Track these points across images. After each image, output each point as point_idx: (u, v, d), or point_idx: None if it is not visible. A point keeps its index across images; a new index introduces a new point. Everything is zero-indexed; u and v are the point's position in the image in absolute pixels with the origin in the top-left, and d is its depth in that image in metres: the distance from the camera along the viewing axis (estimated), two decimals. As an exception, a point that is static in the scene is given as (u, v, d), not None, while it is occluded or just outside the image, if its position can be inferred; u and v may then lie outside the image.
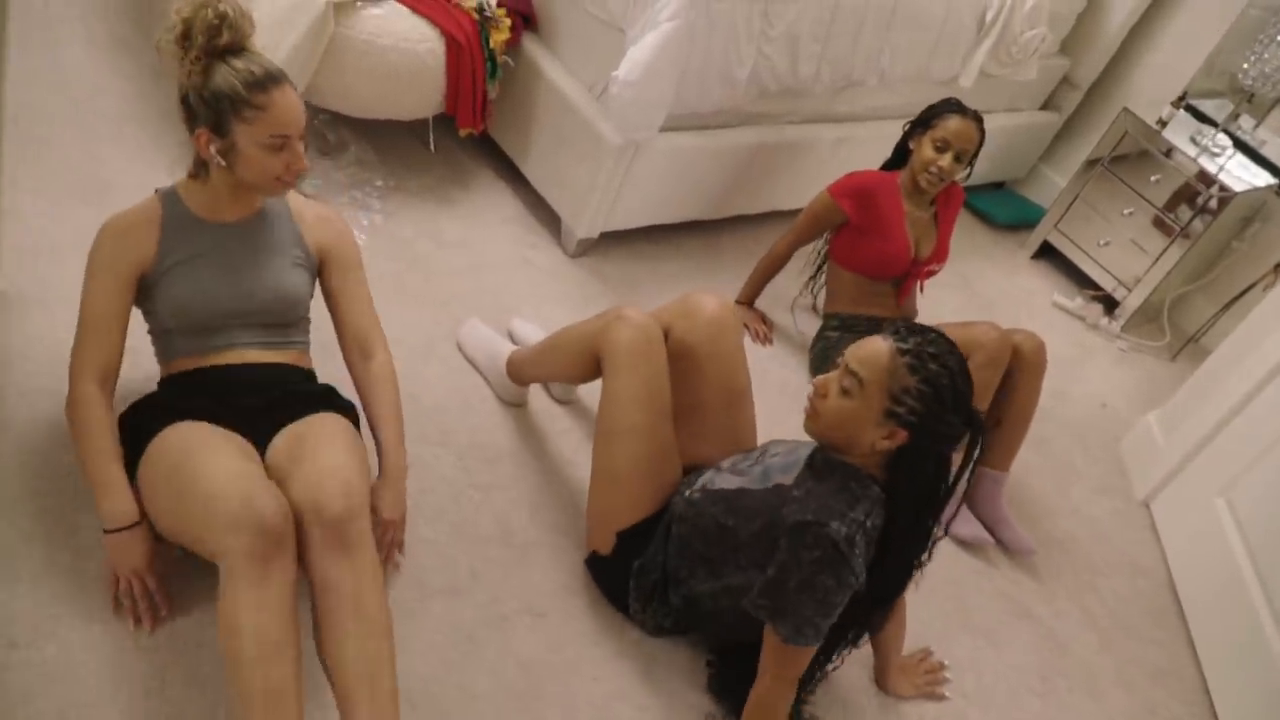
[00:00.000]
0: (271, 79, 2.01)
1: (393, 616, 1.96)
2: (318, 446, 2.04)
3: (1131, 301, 4.25)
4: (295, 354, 2.28)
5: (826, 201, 3.22)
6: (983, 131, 3.13)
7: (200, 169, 2.14)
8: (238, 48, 2.02)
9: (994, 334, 2.91)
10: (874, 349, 2.05)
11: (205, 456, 1.94)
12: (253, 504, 1.83)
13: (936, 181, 3.12)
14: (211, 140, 2.03)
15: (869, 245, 3.19)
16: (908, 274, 3.23)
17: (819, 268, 3.43)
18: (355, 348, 2.33)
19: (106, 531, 1.99)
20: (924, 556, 2.17)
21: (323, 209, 2.36)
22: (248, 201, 2.18)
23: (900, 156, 3.24)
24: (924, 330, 2.07)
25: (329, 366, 2.40)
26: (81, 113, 3.05)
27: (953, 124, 3.08)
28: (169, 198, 2.16)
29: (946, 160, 3.08)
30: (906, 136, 3.21)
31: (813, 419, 2.14)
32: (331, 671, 1.89)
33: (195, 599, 2.09)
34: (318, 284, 2.36)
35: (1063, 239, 4.44)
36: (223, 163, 2.05)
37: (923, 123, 3.15)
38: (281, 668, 1.81)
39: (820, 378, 2.14)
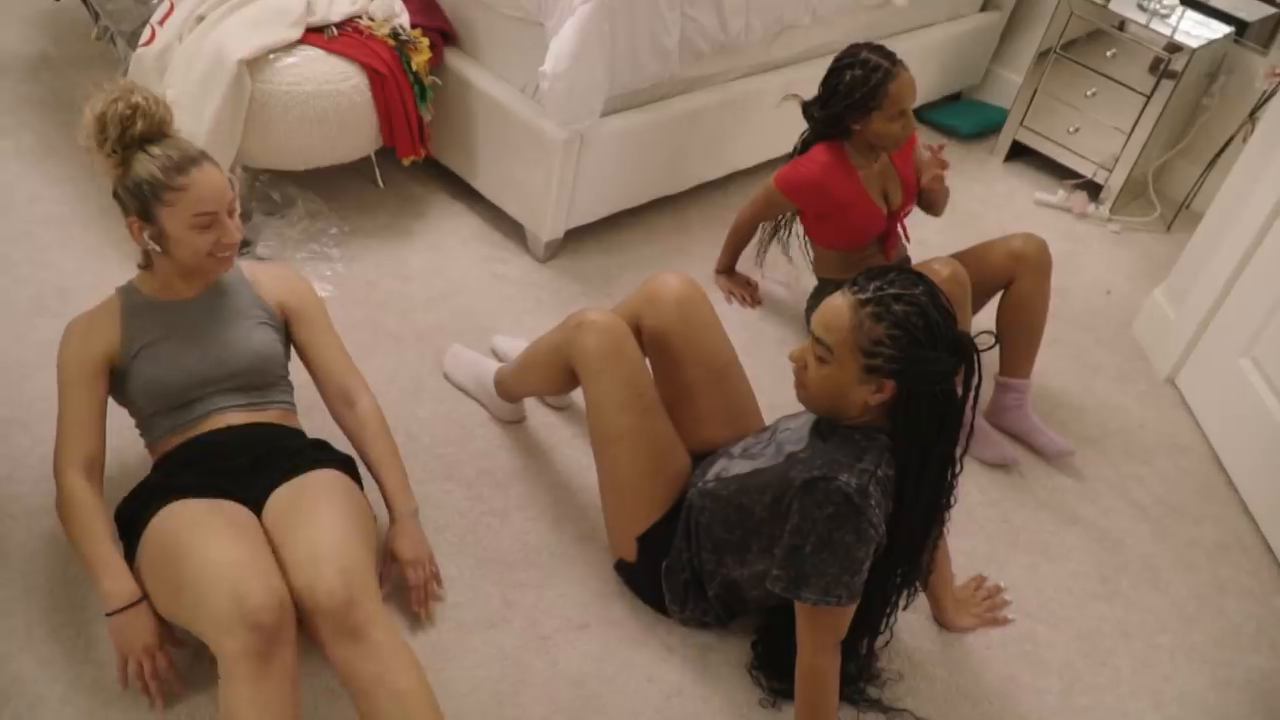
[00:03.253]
0: (189, 160, 2.04)
1: (434, 658, 1.93)
2: (309, 516, 2.02)
3: (1114, 182, 4.16)
4: (278, 413, 2.26)
5: (775, 193, 3.06)
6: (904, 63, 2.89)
7: (146, 259, 2.17)
8: (155, 135, 2.06)
9: (946, 270, 2.75)
10: (834, 310, 1.96)
11: (195, 545, 1.90)
12: (245, 602, 1.80)
13: (903, 142, 2.94)
14: (143, 227, 2.07)
15: (839, 225, 3.05)
16: (888, 230, 3.09)
17: (772, 234, 3.30)
18: (337, 397, 2.33)
19: (108, 614, 1.96)
20: (947, 500, 2.07)
21: (275, 268, 2.38)
22: (200, 278, 2.20)
23: (832, 126, 2.95)
24: (883, 272, 1.96)
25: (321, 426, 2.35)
26: (25, 225, 3.01)
27: (894, 90, 2.81)
28: (126, 290, 2.20)
29: (909, 123, 2.88)
30: (838, 116, 2.90)
31: (801, 390, 2.07)
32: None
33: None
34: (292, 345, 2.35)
35: (1031, 135, 4.35)
36: (157, 248, 2.09)
37: (860, 105, 2.84)
38: None
39: (796, 349, 2.05)
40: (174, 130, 2.10)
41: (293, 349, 2.36)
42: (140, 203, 2.04)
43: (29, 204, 3.09)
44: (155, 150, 2.04)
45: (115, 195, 2.09)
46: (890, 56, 2.85)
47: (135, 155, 2.04)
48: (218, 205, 2.06)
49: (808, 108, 2.98)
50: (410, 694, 1.88)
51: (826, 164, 2.96)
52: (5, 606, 2.13)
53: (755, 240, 3.33)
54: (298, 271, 2.40)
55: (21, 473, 2.37)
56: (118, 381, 2.16)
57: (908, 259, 3.22)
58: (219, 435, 2.15)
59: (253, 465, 2.12)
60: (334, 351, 2.34)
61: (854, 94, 2.84)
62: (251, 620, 1.79)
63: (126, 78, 2.10)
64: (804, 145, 3.05)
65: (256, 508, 2.07)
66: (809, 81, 3.65)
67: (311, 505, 2.04)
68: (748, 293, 3.37)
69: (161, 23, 2.95)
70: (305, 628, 1.93)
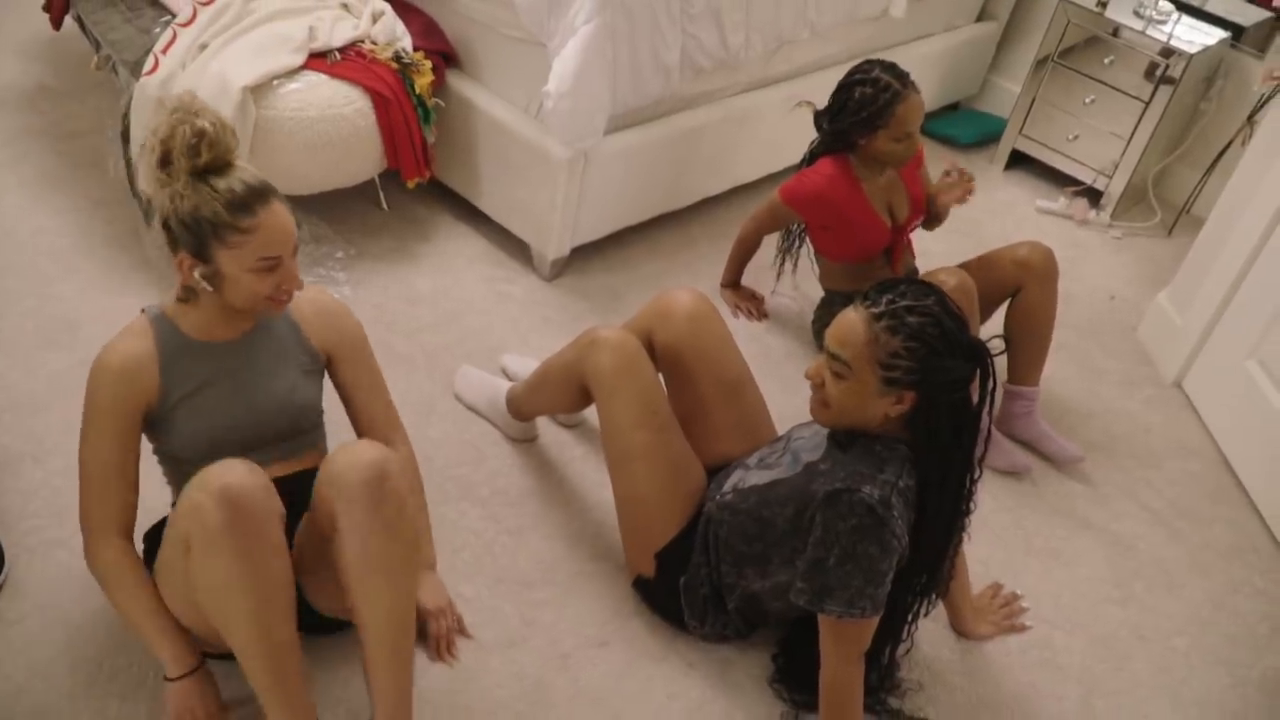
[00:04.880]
0: (256, 196, 1.86)
1: (454, 680, 1.92)
2: None
3: (1114, 188, 4.18)
4: (313, 456, 2.17)
5: (780, 205, 3.08)
6: (915, 84, 2.89)
7: (189, 293, 1.98)
8: (220, 165, 1.87)
9: (952, 280, 2.76)
10: (848, 326, 1.96)
11: None
12: (217, 477, 1.75)
13: (907, 160, 2.95)
14: (194, 265, 1.89)
15: (844, 239, 3.06)
16: (894, 243, 3.09)
17: (787, 251, 3.32)
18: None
19: (169, 679, 1.93)
20: (967, 505, 2.08)
21: (320, 299, 2.21)
22: (244, 316, 2.03)
23: (839, 139, 2.97)
24: (893, 285, 1.97)
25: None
26: (29, 257, 3.01)
27: (901, 111, 2.83)
28: (161, 324, 2.00)
29: (914, 143, 2.90)
30: (844, 131, 2.92)
31: (821, 410, 2.06)
32: (359, 622, 1.89)
33: None
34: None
35: (1031, 143, 4.37)
36: (209, 288, 1.92)
37: (866, 124, 2.86)
38: (284, 627, 1.82)
39: (812, 366, 2.05)
40: (237, 158, 1.90)
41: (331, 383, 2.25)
42: (197, 240, 1.85)
43: (33, 236, 3.09)
44: (219, 184, 1.84)
45: (165, 226, 1.89)
46: (902, 77, 2.85)
47: (196, 187, 1.84)
48: (284, 248, 1.89)
49: (818, 118, 2.99)
50: (402, 583, 1.89)
51: (831, 176, 2.97)
52: (28, 640, 2.12)
53: (769, 261, 3.34)
54: (347, 307, 2.25)
55: (35, 506, 2.37)
56: (151, 426, 2.01)
57: (915, 270, 3.22)
58: None
59: (290, 519, 2.01)
60: (375, 394, 2.24)
61: (861, 111, 2.86)
62: (219, 485, 1.72)
63: (188, 93, 1.94)
64: (811, 157, 3.07)
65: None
66: (808, 95, 3.68)
67: None
68: (754, 306, 3.38)
69: (165, 51, 2.95)
70: (331, 509, 1.86)
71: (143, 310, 2.04)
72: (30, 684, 2.05)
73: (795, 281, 3.42)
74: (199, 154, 1.83)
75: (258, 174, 1.91)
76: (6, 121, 3.53)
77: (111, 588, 1.97)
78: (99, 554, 1.97)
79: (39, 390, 2.62)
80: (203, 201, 1.84)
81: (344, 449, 1.88)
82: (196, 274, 1.90)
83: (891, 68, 2.87)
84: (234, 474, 1.76)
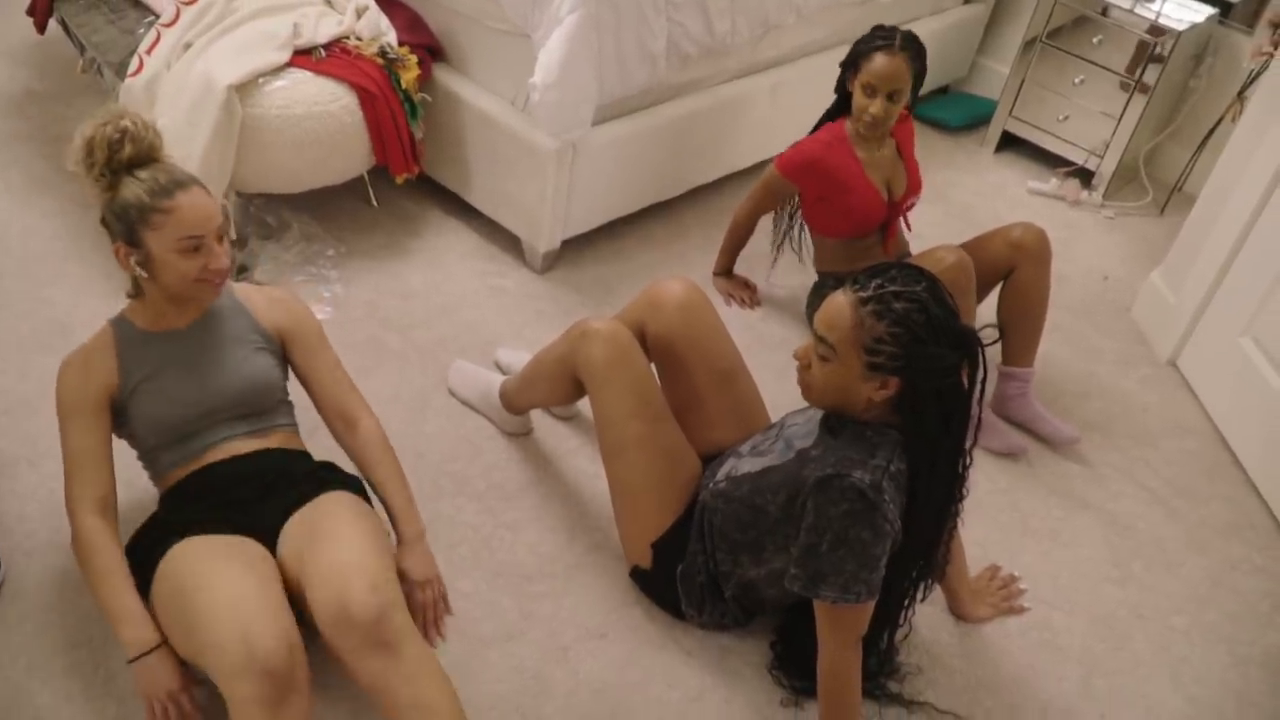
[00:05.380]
0: (177, 184, 2.00)
1: (454, 675, 1.92)
2: (331, 536, 1.99)
3: (1106, 168, 4.18)
4: (282, 437, 2.24)
5: (776, 177, 3.08)
6: (917, 61, 2.89)
7: (136, 287, 2.14)
8: (144, 160, 2.02)
9: (951, 258, 2.76)
10: (835, 308, 1.96)
11: (203, 586, 1.89)
12: (254, 646, 1.77)
13: (876, 128, 2.93)
14: (129, 253, 2.03)
15: (838, 210, 3.05)
16: (888, 219, 3.09)
17: (784, 234, 3.33)
18: (337, 420, 2.30)
19: (130, 660, 1.95)
20: (959, 492, 2.07)
21: (271, 291, 2.34)
22: (191, 305, 2.16)
23: (843, 101, 3.03)
24: (884, 269, 1.96)
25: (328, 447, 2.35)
26: (19, 262, 3.00)
27: (877, 64, 2.83)
28: (118, 323, 2.17)
29: (878, 105, 2.86)
30: (843, 79, 3.00)
31: (806, 391, 2.07)
32: None
33: None
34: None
35: (1021, 125, 4.36)
36: (143, 273, 2.05)
37: (851, 63, 2.93)
38: None
39: (799, 348, 2.06)
40: (164, 155, 2.06)
41: (291, 371, 2.33)
42: (126, 227, 2.00)
43: (23, 240, 3.08)
44: (142, 174, 2.00)
45: (103, 221, 2.05)
46: (905, 38, 2.87)
47: (123, 180, 2.00)
48: (204, 229, 2.01)
49: None
50: (443, 709, 1.88)
51: (826, 142, 2.99)
52: (25, 643, 2.12)
53: (762, 250, 3.32)
54: (294, 294, 2.38)
55: (31, 509, 2.37)
56: (117, 416, 2.14)
57: (908, 254, 3.21)
58: (225, 465, 2.13)
59: (262, 494, 2.10)
60: (332, 374, 2.31)
61: (853, 48, 2.92)
62: (261, 666, 1.76)
63: (119, 104, 2.05)
64: (817, 125, 3.10)
65: (270, 536, 2.06)
66: (798, 82, 3.68)
67: (330, 526, 2.02)
68: (747, 294, 3.37)
69: (149, 52, 2.94)
70: (328, 645, 1.90)
71: (108, 321, 2.19)
72: (28, 686, 2.05)
73: (802, 265, 3.41)
74: (121, 147, 1.98)
75: (184, 170, 2.05)
76: (-7, 126, 3.53)
77: (82, 564, 2.04)
78: (74, 530, 2.05)
79: (33, 393, 2.62)
80: (128, 190, 1.99)
81: (324, 591, 1.90)
82: (132, 261, 2.04)
83: (908, 34, 2.90)
84: (265, 643, 1.79)
